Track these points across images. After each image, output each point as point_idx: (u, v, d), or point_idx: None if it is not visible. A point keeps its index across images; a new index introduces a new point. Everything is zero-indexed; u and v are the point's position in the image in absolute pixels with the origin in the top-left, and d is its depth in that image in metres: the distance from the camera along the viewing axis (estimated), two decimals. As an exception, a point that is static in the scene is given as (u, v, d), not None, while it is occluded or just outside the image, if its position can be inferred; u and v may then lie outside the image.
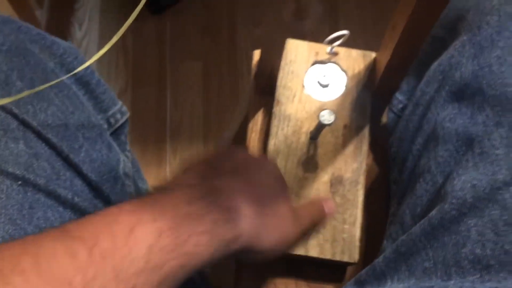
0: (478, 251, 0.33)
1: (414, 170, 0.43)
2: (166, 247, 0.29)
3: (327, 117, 0.45)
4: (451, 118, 0.39)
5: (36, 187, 0.36)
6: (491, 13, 0.40)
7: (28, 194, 0.35)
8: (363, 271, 0.40)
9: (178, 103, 1.00)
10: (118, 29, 0.29)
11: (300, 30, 1.04)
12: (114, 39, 0.29)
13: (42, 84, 0.39)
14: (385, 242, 0.43)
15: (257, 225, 0.34)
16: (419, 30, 0.42)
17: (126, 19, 0.28)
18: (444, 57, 0.43)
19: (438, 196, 0.38)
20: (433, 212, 0.36)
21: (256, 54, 0.57)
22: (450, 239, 0.35)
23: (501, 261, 0.32)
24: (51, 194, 0.36)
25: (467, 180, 0.35)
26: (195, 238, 0.30)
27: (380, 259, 0.39)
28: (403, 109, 0.49)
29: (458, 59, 0.41)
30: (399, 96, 0.50)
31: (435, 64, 0.44)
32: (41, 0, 1.03)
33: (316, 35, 0.54)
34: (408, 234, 0.37)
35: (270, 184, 0.38)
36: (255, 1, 1.07)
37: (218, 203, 0.33)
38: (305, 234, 0.41)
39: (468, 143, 0.37)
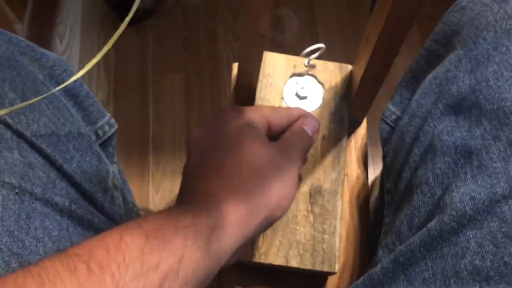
0: (477, 262, 0.34)
1: (411, 181, 0.43)
2: (156, 247, 0.30)
3: None
4: (449, 131, 0.40)
5: (33, 196, 0.36)
6: (487, 29, 0.40)
7: (25, 203, 0.35)
8: (359, 281, 0.40)
9: (160, 116, 1.00)
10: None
11: (280, 43, 1.05)
12: (105, 48, 0.29)
13: (33, 95, 0.40)
14: (380, 252, 0.43)
15: (251, 213, 0.35)
16: (391, 43, 0.43)
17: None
18: (439, 70, 0.43)
19: (436, 207, 0.38)
20: (432, 223, 0.36)
21: (235, 67, 0.58)
22: (449, 250, 0.35)
23: (501, 273, 0.33)
24: (48, 203, 0.37)
25: (466, 193, 0.36)
26: (182, 232, 0.31)
27: (377, 268, 0.39)
28: (397, 120, 0.50)
29: (454, 73, 0.41)
30: (392, 107, 0.50)
31: (430, 76, 0.45)
32: (21, 14, 1.02)
33: (296, 48, 0.55)
34: (407, 244, 0.38)
35: (249, 145, 0.38)
36: (235, 14, 1.08)
37: (197, 205, 0.34)
38: (303, 159, 0.42)
39: (466, 156, 0.38)
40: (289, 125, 0.43)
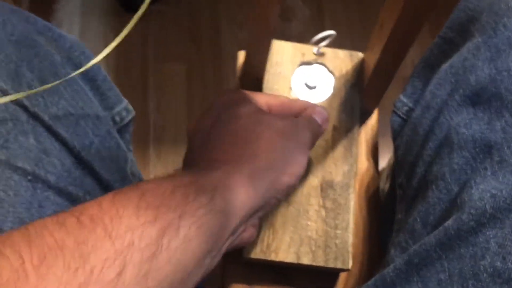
0: (498, 264, 0.32)
1: (425, 176, 0.41)
2: (152, 203, 0.28)
3: None
4: (466, 123, 0.38)
5: (46, 184, 0.35)
6: (508, 15, 0.38)
7: (38, 191, 0.34)
8: (371, 282, 0.38)
9: (161, 107, 0.99)
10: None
11: (286, 31, 1.03)
12: (125, 32, 0.28)
13: (51, 76, 0.39)
14: (392, 250, 0.41)
15: (254, 175, 0.35)
16: (410, 27, 0.41)
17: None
18: (456, 59, 0.41)
19: (453, 205, 0.36)
20: (449, 222, 0.35)
21: (241, 55, 0.56)
22: (467, 251, 0.33)
23: None
24: (61, 192, 0.35)
25: (486, 190, 0.34)
26: (181, 190, 0.30)
27: (390, 269, 0.37)
28: (409, 112, 0.47)
29: (472, 62, 0.39)
30: (404, 99, 0.48)
31: (446, 66, 0.42)
32: (19, 1, 1.01)
33: (303, 37, 0.53)
34: (421, 244, 0.36)
35: (254, 125, 0.38)
36: (239, 3, 1.06)
37: (198, 168, 0.35)
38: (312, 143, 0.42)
39: (486, 151, 0.36)
40: (294, 116, 0.43)
